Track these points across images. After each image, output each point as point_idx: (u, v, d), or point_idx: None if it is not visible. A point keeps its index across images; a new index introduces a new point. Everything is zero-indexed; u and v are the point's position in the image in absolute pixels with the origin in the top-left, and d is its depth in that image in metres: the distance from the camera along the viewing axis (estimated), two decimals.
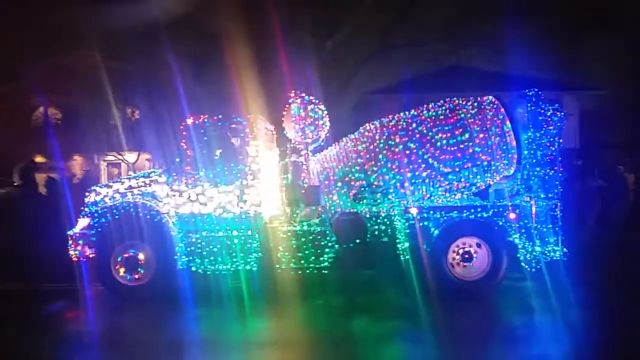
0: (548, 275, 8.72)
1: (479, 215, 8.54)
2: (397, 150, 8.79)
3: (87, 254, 8.64)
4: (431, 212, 8.55)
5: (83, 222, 8.75)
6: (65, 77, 29.87)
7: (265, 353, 6.62)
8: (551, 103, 9.19)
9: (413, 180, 8.79)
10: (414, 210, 8.53)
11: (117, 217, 8.58)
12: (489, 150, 8.84)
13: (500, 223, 8.49)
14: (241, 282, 8.77)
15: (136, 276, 8.54)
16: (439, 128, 8.83)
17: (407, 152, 8.77)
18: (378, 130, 9.08)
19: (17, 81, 28.90)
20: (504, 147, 8.87)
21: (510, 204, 8.64)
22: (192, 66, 22.44)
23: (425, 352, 6.44)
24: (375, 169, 8.84)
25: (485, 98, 9.15)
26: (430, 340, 6.85)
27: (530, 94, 9.03)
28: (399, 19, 24.60)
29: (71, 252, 8.66)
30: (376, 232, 8.68)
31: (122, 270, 8.53)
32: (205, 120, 8.67)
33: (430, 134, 8.79)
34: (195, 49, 22.51)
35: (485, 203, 8.72)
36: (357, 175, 8.88)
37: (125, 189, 8.80)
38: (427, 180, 8.83)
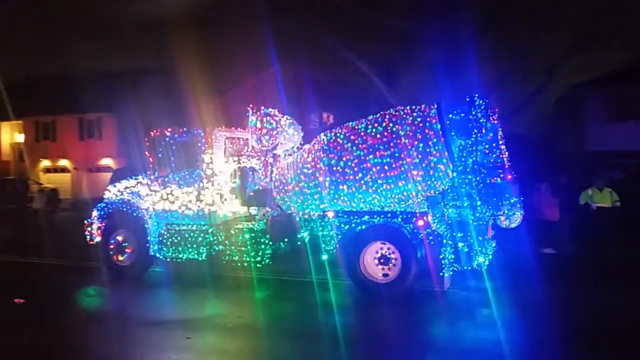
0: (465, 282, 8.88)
1: (388, 221, 8.89)
2: (343, 195, 9.10)
3: (94, 238, 11.00)
4: (345, 216, 9.14)
5: (94, 213, 11.13)
6: (271, 85, 33.99)
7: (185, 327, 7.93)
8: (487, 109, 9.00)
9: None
10: (330, 214, 9.21)
11: (112, 210, 10.82)
12: (425, 165, 8.68)
13: (409, 229, 8.73)
14: (200, 269, 10.46)
15: (122, 258, 10.67)
16: (377, 160, 8.80)
17: (350, 191, 9.01)
18: (327, 174, 9.14)
19: (233, 90, 33.68)
20: (439, 158, 8.65)
21: (418, 211, 8.79)
22: (382, 72, 23.72)
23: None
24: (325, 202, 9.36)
25: (423, 107, 8.98)
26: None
27: (468, 99, 8.97)
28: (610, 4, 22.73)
29: (86, 237, 11.11)
30: (305, 234, 9.51)
31: (115, 253, 10.71)
32: (173, 131, 10.39)
33: (371, 181, 8.82)
34: (386, 55, 23.69)
35: (395, 209, 8.97)
36: (310, 208, 9.52)
37: (124, 188, 10.96)
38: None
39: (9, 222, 21.44)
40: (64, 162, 41.34)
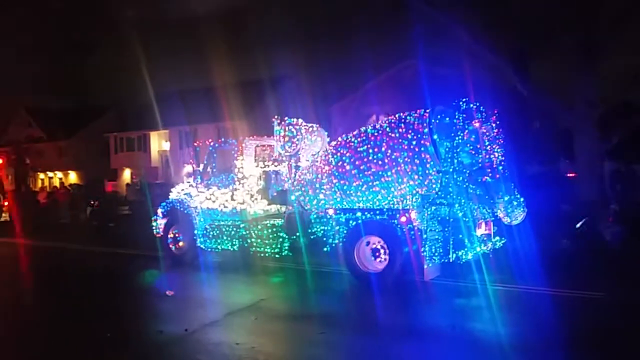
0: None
1: (377, 217, 9.84)
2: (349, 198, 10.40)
3: (159, 231, 13.07)
4: (342, 213, 10.23)
5: (159, 210, 13.21)
6: (392, 86, 35.19)
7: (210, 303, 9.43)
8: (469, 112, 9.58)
9: None
10: (330, 211, 10.35)
11: (170, 208, 12.83)
12: (419, 170, 9.54)
13: (394, 225, 9.60)
14: (239, 259, 12.13)
15: (178, 248, 12.61)
16: (382, 184, 9.89)
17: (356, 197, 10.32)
18: (341, 195, 10.41)
19: (355, 92, 35.52)
20: (430, 162, 9.43)
21: (401, 208, 9.63)
22: (514, 64, 23.63)
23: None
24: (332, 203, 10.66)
25: (416, 125, 9.60)
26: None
27: (454, 104, 9.65)
28: None
29: (153, 230, 13.22)
30: (316, 229, 10.74)
31: (172, 244, 12.70)
32: (213, 142, 12.14)
33: (380, 195, 10.03)
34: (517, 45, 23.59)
35: (382, 207, 9.88)
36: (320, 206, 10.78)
37: (181, 190, 12.93)
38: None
39: None
40: None
